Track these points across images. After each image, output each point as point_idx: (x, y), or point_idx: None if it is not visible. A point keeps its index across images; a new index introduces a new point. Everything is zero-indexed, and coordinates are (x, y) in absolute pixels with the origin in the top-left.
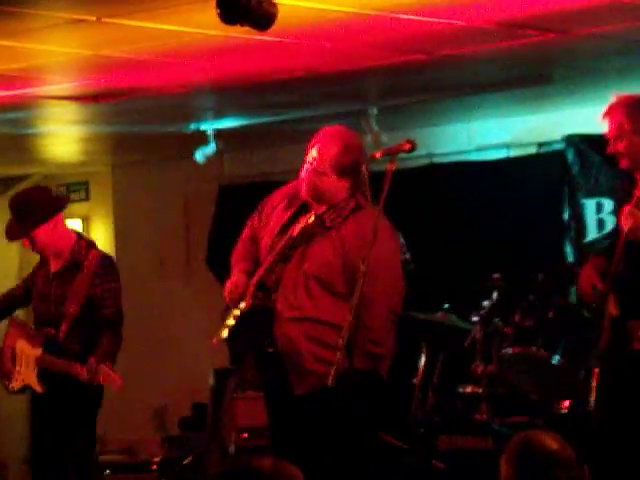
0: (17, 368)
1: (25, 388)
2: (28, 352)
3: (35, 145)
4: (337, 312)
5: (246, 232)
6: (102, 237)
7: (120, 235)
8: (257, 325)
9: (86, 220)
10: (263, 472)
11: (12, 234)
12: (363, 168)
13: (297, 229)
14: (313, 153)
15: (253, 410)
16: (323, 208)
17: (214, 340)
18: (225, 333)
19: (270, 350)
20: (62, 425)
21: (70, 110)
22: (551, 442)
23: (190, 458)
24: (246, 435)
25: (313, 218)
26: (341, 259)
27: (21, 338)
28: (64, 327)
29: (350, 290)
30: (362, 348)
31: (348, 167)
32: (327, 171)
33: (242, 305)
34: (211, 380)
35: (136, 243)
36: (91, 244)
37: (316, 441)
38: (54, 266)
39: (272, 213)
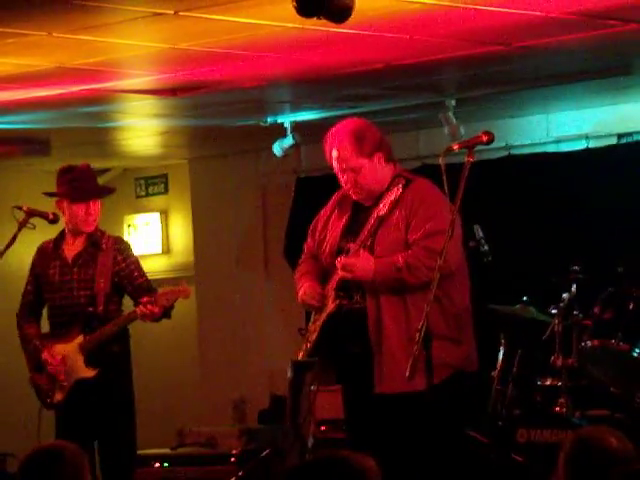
0: (60, 377)
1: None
2: (67, 349)
3: (114, 139)
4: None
5: (304, 256)
6: (180, 230)
7: (198, 228)
8: (345, 326)
9: (164, 213)
10: (338, 464)
11: (95, 192)
12: (384, 138)
13: (367, 227)
14: (335, 158)
15: (332, 402)
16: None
17: (300, 355)
18: (310, 346)
19: (356, 350)
20: (110, 412)
21: (148, 104)
22: (610, 439)
23: (269, 450)
24: (325, 428)
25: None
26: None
27: (52, 346)
28: (100, 302)
29: None
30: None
31: (371, 143)
32: (357, 162)
33: (328, 309)
34: (289, 373)
35: (214, 236)
36: (101, 229)
37: (400, 440)
38: (71, 251)
39: (325, 227)
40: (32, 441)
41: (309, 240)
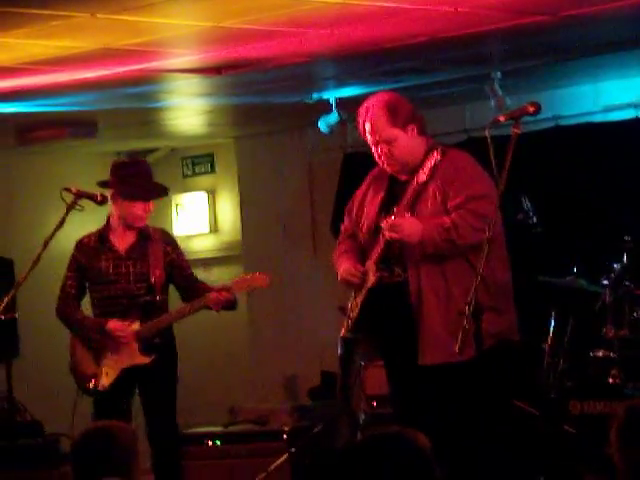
0: (112, 357)
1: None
2: (125, 329)
3: (160, 119)
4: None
5: (342, 236)
6: (227, 209)
7: (245, 206)
8: (386, 300)
9: (212, 192)
10: (389, 441)
11: (156, 192)
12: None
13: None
14: (369, 131)
15: (382, 378)
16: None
17: (342, 332)
18: (352, 322)
19: (398, 323)
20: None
21: (194, 83)
22: None
23: (320, 427)
24: (375, 403)
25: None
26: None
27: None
28: (158, 291)
29: None
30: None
31: (404, 114)
32: (391, 133)
33: (369, 283)
34: (339, 349)
35: (262, 214)
36: None
37: (446, 411)
38: (122, 243)
39: (362, 205)
40: (85, 421)
41: (346, 220)
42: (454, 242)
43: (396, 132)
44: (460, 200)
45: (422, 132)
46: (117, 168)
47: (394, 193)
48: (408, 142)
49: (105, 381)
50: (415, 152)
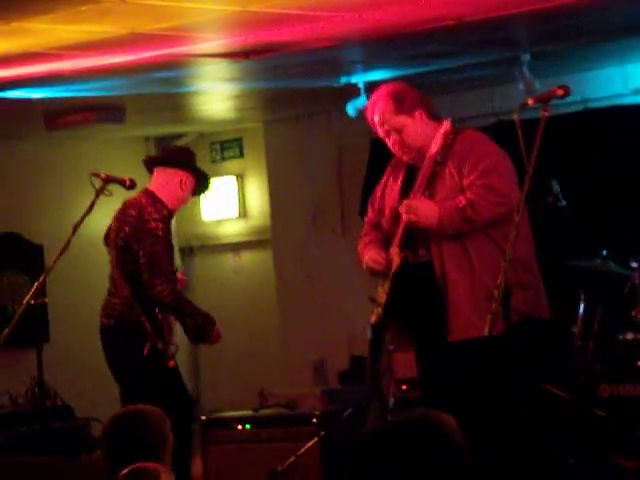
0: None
1: None
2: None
3: (188, 104)
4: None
5: (366, 228)
6: (256, 193)
7: (274, 191)
8: (413, 281)
9: (240, 177)
10: (414, 424)
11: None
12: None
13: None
14: (378, 123)
15: (411, 362)
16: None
17: (373, 320)
18: (381, 309)
19: (426, 303)
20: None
21: (221, 67)
22: None
23: (350, 411)
24: (405, 387)
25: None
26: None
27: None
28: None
29: None
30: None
31: (410, 101)
32: (398, 120)
33: (394, 266)
34: (369, 334)
35: (291, 199)
36: None
37: (473, 387)
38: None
39: (384, 194)
40: (115, 406)
41: (369, 212)
42: (472, 220)
43: (403, 119)
44: (472, 177)
45: (432, 116)
46: (190, 154)
47: (413, 176)
48: (418, 127)
49: (172, 363)
50: (427, 136)
